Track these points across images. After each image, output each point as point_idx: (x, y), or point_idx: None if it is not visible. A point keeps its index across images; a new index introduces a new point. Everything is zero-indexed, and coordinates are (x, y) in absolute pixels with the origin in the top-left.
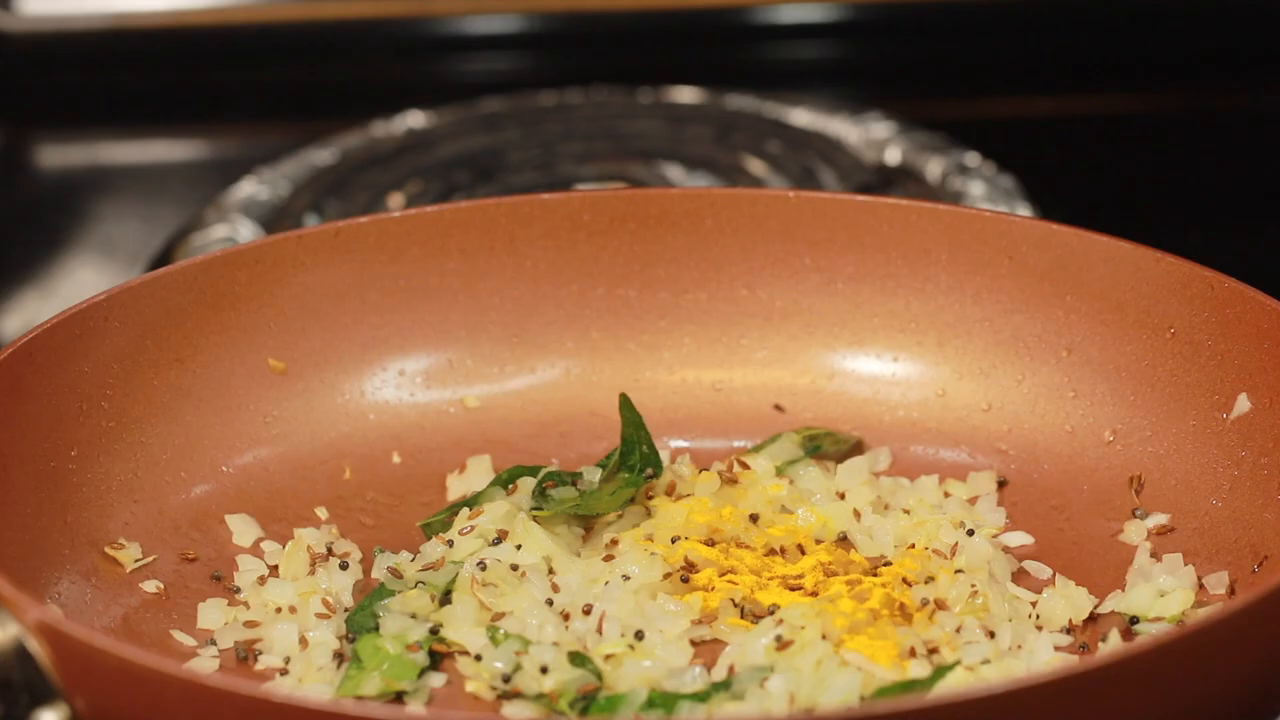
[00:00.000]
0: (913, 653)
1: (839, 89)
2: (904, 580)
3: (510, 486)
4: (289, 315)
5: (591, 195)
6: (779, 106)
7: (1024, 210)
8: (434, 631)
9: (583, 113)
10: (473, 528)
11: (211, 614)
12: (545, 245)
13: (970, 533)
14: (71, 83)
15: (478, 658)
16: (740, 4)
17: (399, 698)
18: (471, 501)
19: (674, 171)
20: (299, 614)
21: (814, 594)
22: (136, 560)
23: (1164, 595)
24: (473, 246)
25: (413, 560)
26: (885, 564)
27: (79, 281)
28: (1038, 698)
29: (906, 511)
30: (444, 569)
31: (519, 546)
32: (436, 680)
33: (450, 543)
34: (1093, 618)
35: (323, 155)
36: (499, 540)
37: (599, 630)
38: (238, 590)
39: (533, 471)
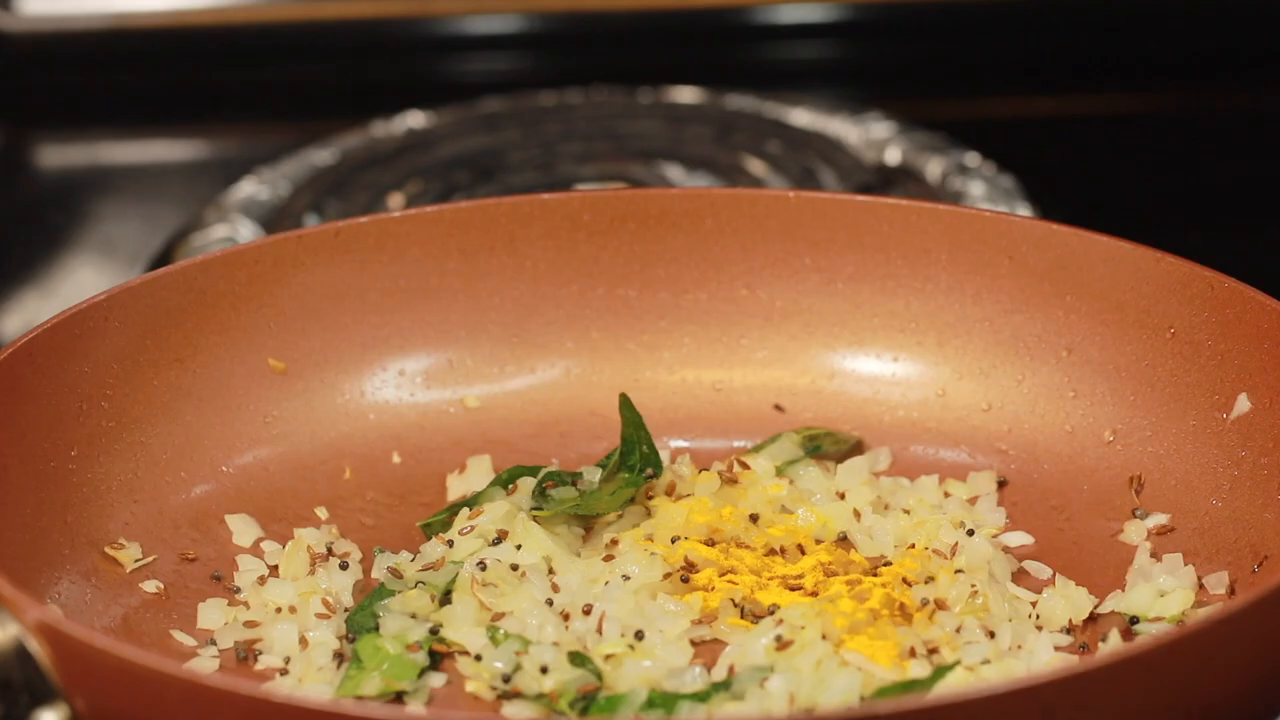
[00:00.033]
0: (913, 653)
1: (839, 89)
2: (904, 580)
3: (510, 486)
4: (289, 315)
5: (591, 195)
6: (779, 106)
7: (1024, 210)
8: (434, 631)
9: (583, 113)
10: (473, 528)
11: (211, 614)
12: (545, 245)
13: (970, 533)
14: (71, 83)
15: (478, 658)
16: (740, 4)
17: (399, 698)
18: (471, 501)
19: (674, 171)
20: (299, 614)
21: (814, 594)
22: (136, 560)
23: (1164, 595)
24: (473, 246)
25: (413, 560)
26: (885, 564)
27: (79, 281)
28: (1038, 698)
29: (906, 511)
30: (444, 569)
31: (519, 546)
32: (436, 680)
33: (450, 543)
34: (1093, 618)
35: (323, 155)
36: (499, 540)
37: (599, 630)
38: (238, 590)
39: (533, 471)
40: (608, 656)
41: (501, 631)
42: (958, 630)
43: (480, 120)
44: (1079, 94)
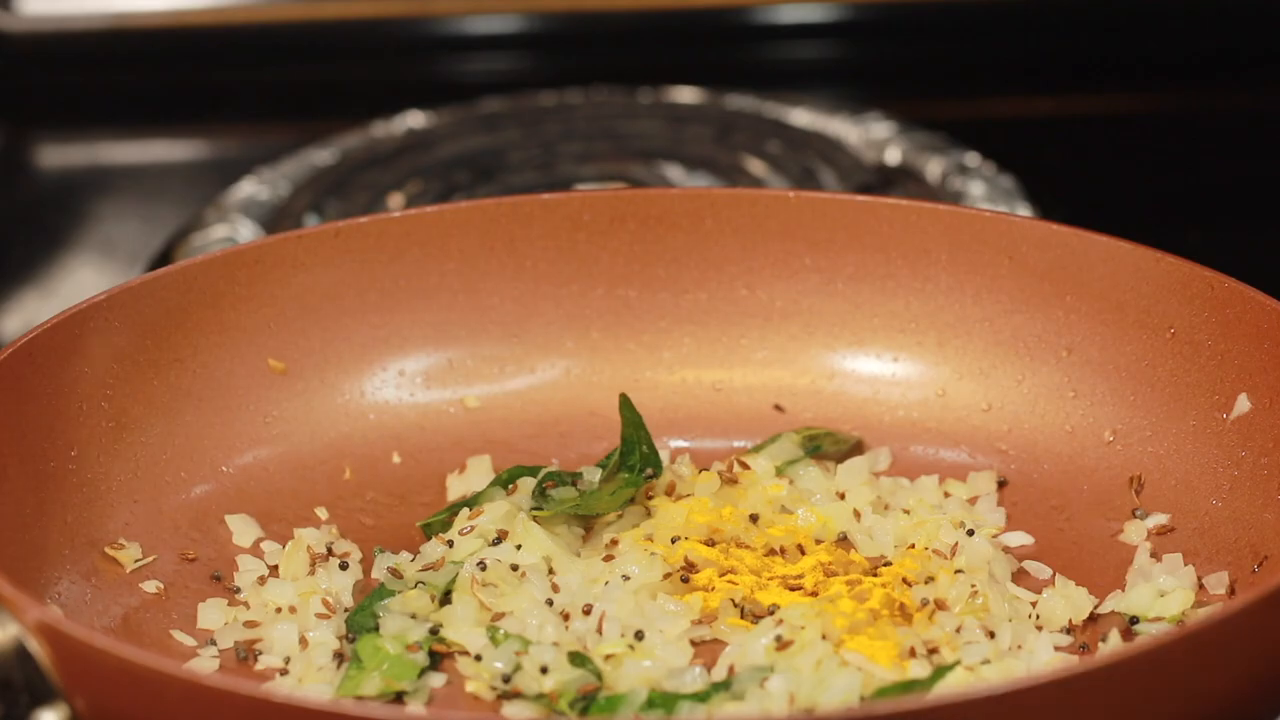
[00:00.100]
0: (913, 653)
1: (839, 89)
2: (904, 580)
3: (510, 486)
4: (289, 315)
5: (591, 195)
6: (779, 106)
7: (1024, 210)
8: (434, 631)
9: (583, 113)
10: (473, 528)
11: (211, 614)
12: (545, 245)
13: (970, 533)
14: (71, 83)
15: (478, 658)
16: (740, 4)
17: (399, 698)
18: (471, 501)
19: (674, 171)
20: (299, 614)
21: (814, 594)
22: (136, 560)
23: (1164, 595)
24: (473, 246)
25: (413, 560)
26: (885, 564)
27: (79, 281)
28: (1038, 698)
29: (906, 511)
30: (444, 569)
31: (519, 546)
32: (436, 680)
33: (450, 543)
34: (1093, 618)
35: (323, 155)
36: (499, 540)
37: (599, 630)
38: (238, 590)
39: (533, 471)
40: (608, 656)
41: (501, 631)
42: (958, 630)
43: (480, 120)
44: (1079, 94)
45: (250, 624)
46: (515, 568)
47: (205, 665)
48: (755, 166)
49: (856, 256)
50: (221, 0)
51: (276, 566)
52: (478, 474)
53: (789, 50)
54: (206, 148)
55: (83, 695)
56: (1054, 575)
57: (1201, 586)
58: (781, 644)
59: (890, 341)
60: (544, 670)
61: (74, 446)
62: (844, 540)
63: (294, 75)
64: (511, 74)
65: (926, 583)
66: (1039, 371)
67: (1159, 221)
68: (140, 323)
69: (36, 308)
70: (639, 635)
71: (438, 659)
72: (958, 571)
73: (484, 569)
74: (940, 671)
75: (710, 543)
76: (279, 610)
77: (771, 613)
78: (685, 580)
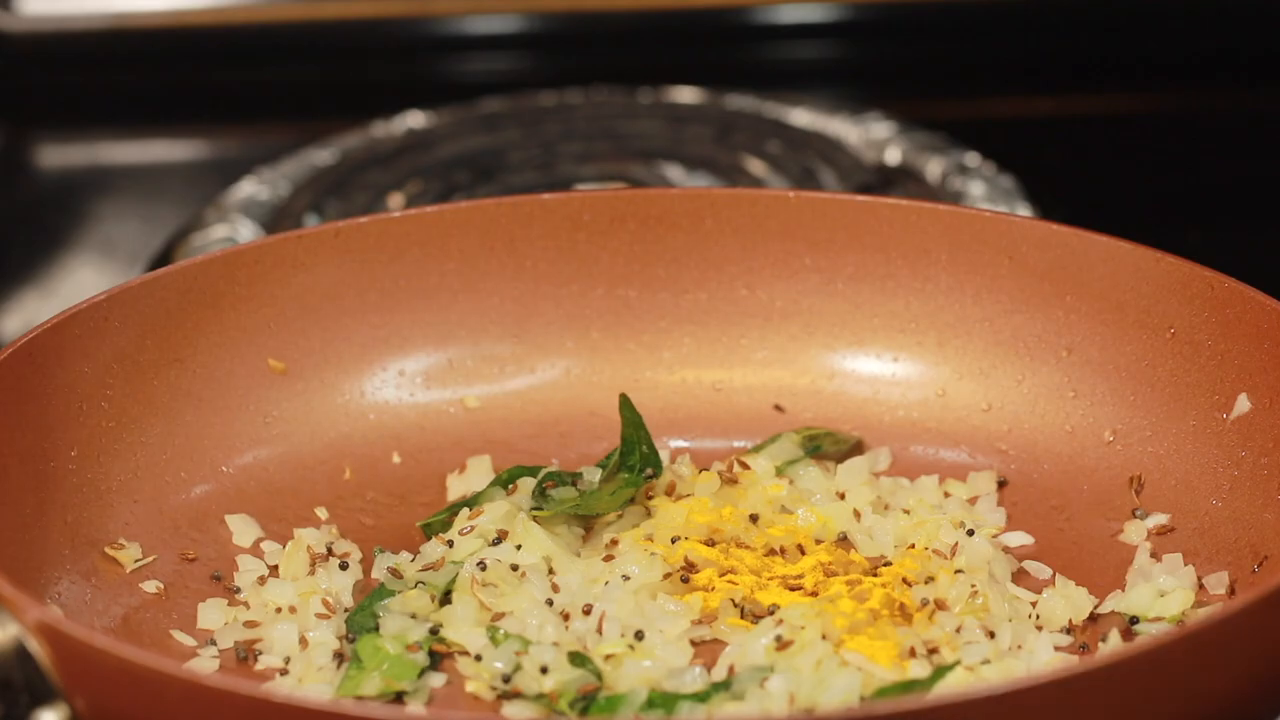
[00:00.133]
0: (913, 653)
1: (839, 89)
2: (904, 580)
3: (510, 486)
4: (289, 315)
5: (591, 195)
6: (779, 106)
7: (1024, 210)
8: (434, 631)
9: (583, 113)
10: (473, 528)
11: (211, 614)
12: (545, 245)
13: (970, 533)
14: (71, 83)
15: (478, 658)
16: (740, 4)
17: (399, 698)
18: (471, 501)
19: (674, 171)
20: (299, 614)
21: (814, 594)
22: (136, 560)
23: (1164, 595)
24: (473, 246)
25: (413, 560)
26: (885, 564)
27: (79, 281)
28: (1038, 698)
29: (906, 511)
30: (444, 569)
31: (519, 546)
32: (436, 680)
33: (450, 543)
34: (1093, 618)
35: (323, 155)
36: (499, 540)
37: (599, 630)
38: (238, 590)
39: (533, 471)
40: (608, 656)
41: (501, 631)
42: (958, 630)
43: (480, 120)
44: (1079, 94)
45: (250, 624)
46: (515, 568)
47: (205, 665)
48: (755, 166)
49: (856, 256)
50: (221, 0)
51: (276, 566)
52: (478, 474)
53: (789, 50)
54: (206, 148)
55: (83, 695)
56: (1054, 575)
57: (1201, 586)
58: (781, 644)
59: (890, 341)
60: (544, 670)
61: (74, 446)
62: (844, 540)
63: (294, 75)
64: (511, 74)
65: (926, 583)
66: (1039, 371)
67: (1159, 221)
68: (140, 323)
69: (36, 308)
70: (639, 635)
71: (438, 659)
72: (958, 571)
73: (484, 569)
74: (940, 671)
75: (710, 543)
76: (279, 610)
77: (771, 613)
78: (685, 580)
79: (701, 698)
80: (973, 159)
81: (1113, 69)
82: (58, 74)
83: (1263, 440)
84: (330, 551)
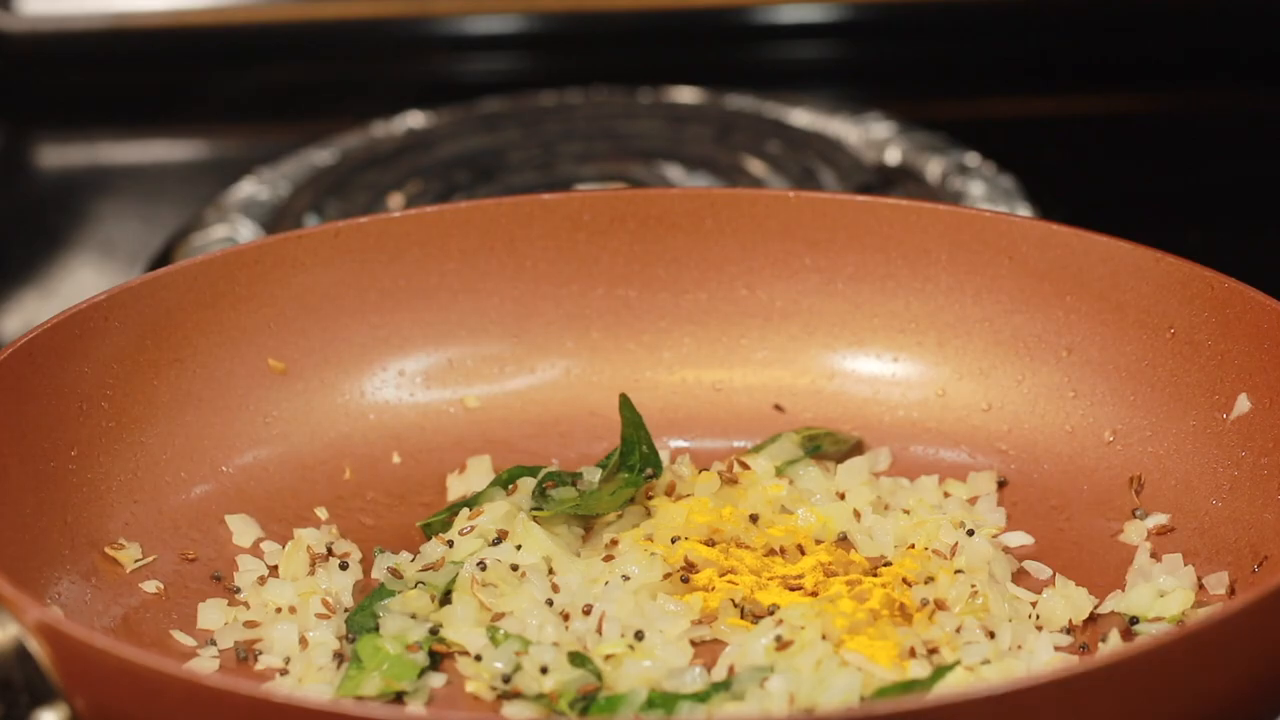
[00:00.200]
0: (913, 653)
1: (839, 89)
2: (904, 580)
3: (510, 486)
4: (289, 315)
5: (591, 195)
6: (779, 106)
7: (1024, 210)
8: (434, 631)
9: (583, 113)
10: (473, 528)
11: (211, 614)
12: (545, 245)
13: (970, 533)
14: (71, 83)
15: (478, 658)
16: (740, 4)
17: (399, 698)
18: (471, 501)
19: (674, 171)
20: (299, 614)
21: (814, 594)
22: (136, 560)
23: (1164, 595)
24: (473, 246)
25: (413, 560)
26: (885, 564)
27: (79, 281)
28: (1038, 698)
29: (906, 512)
30: (444, 569)
31: (519, 546)
32: (436, 680)
33: (450, 543)
34: (1093, 618)
35: (323, 155)
36: (499, 540)
37: (599, 630)
38: (238, 590)
39: (533, 471)
40: (608, 656)
41: (501, 631)
42: (958, 630)
43: (480, 120)
44: (1079, 94)
45: (250, 624)
46: (515, 568)
47: (205, 665)
48: (755, 166)
49: (856, 256)
50: (221, 0)
51: (276, 566)
52: (478, 474)
53: (789, 50)
54: (206, 148)
55: (83, 695)
56: (1054, 575)
57: (1201, 586)
58: (781, 644)
59: (890, 341)
60: (544, 670)
61: (74, 446)
62: (844, 540)
63: (294, 75)
64: (511, 74)
65: (926, 583)
66: (1039, 371)
67: (1159, 221)
68: (140, 323)
69: (36, 308)
70: (639, 635)
71: (438, 659)
72: (958, 571)
73: (484, 569)
74: (940, 671)
75: (710, 543)
76: (279, 610)
77: (771, 613)
78: (685, 580)
79: (701, 698)
80: (973, 159)
81: (1113, 69)
82: (58, 74)
83: (1263, 440)
84: (330, 551)
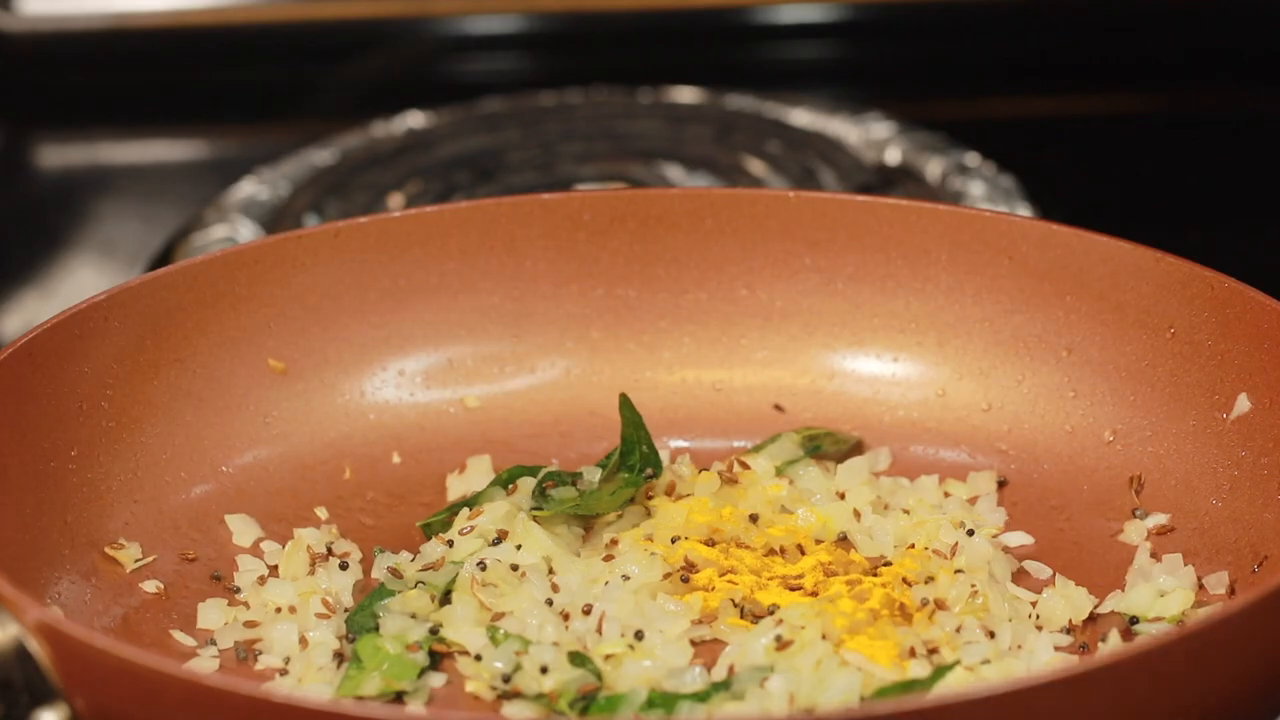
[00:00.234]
0: (913, 653)
1: (839, 89)
2: (904, 580)
3: (510, 486)
4: (289, 315)
5: (591, 195)
6: (779, 106)
7: (1024, 210)
8: (434, 631)
9: (583, 113)
10: (473, 528)
11: (211, 614)
12: (545, 245)
13: (970, 533)
14: (71, 83)
15: (478, 658)
16: (740, 4)
17: (399, 698)
18: (471, 501)
19: (674, 171)
20: (299, 614)
21: (814, 594)
22: (136, 560)
23: (1164, 595)
24: (473, 246)
25: (413, 560)
26: (885, 564)
27: (79, 281)
28: (1038, 698)
29: (906, 511)
30: (444, 569)
31: (519, 546)
32: (436, 680)
33: (450, 543)
34: (1093, 618)
35: (323, 155)
36: (499, 540)
37: (599, 630)
38: (238, 590)
39: (533, 471)
40: (608, 656)
41: (501, 631)
42: (958, 630)
43: (480, 120)
44: (1079, 94)
45: (250, 624)
46: (515, 568)
47: (205, 665)
48: (755, 166)
49: (856, 256)
50: (221, 0)
51: (276, 566)
52: (478, 474)
53: (789, 50)
54: (206, 148)
55: (83, 695)
56: (1054, 575)
57: (1201, 586)
58: (781, 644)
59: (890, 341)
60: (544, 670)
61: (74, 446)
62: (844, 540)
63: (294, 75)
64: (511, 74)
65: (926, 583)
66: (1039, 371)
67: (1159, 221)
68: (140, 323)
69: (36, 308)
70: (639, 635)
71: (438, 659)
72: (958, 571)
73: (484, 569)
74: (940, 671)
75: (710, 543)
76: (279, 610)
77: (771, 613)
78: (685, 580)
79: (701, 698)
80: (973, 159)
81: (1113, 69)
82: (58, 74)
83: (1263, 440)
84: (330, 551)
